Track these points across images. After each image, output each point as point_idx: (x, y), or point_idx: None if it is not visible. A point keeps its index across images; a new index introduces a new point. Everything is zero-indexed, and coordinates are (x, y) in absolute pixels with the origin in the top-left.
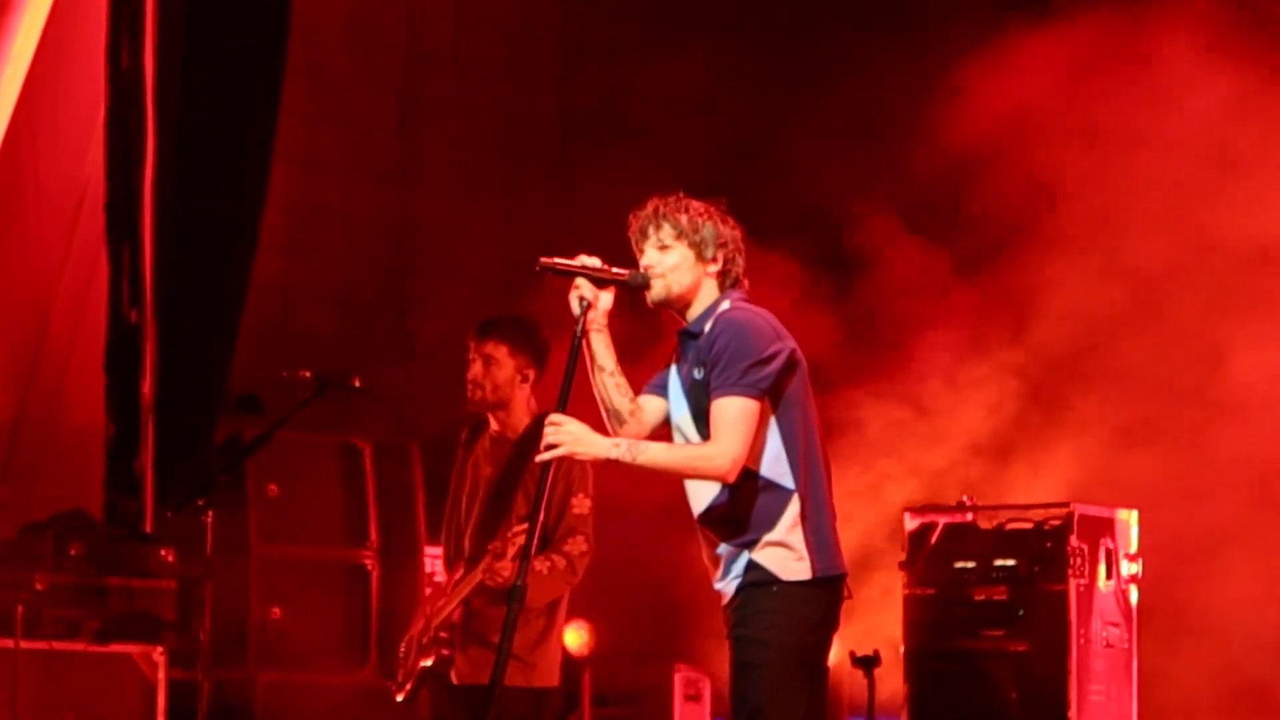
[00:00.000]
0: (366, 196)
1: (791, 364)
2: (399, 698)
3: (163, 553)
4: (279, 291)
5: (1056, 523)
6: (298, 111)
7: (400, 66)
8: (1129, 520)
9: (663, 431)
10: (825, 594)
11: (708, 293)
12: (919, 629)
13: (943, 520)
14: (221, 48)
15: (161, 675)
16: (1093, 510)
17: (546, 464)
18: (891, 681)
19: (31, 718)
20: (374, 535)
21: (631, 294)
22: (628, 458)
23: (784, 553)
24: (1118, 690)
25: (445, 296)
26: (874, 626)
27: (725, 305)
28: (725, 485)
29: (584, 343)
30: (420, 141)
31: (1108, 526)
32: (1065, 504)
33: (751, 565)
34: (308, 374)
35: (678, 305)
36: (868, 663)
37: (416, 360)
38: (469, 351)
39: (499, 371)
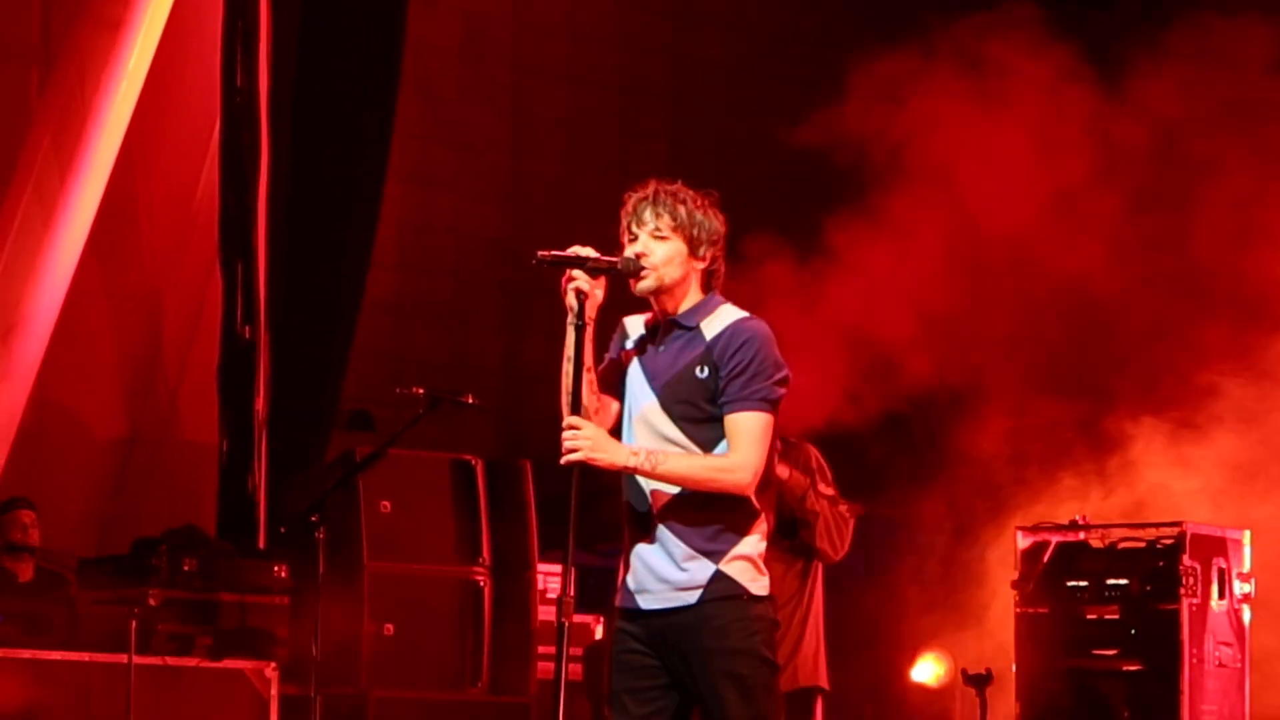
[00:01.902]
0: (478, 213)
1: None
2: None
3: (275, 569)
4: (391, 308)
5: (1169, 542)
6: (410, 129)
7: (511, 83)
8: (1242, 540)
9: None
10: (775, 610)
11: (694, 288)
12: (1031, 647)
13: (1055, 539)
14: (335, 66)
15: (274, 691)
16: (1205, 529)
17: (577, 466)
18: (1004, 700)
19: None
20: (486, 552)
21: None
22: (647, 466)
23: (750, 567)
24: (1230, 710)
25: (556, 313)
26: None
27: (730, 309)
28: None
29: (586, 335)
30: (531, 158)
31: (1220, 546)
32: (1178, 523)
33: (720, 576)
34: (420, 390)
35: (663, 296)
36: (980, 681)
37: (528, 377)
38: None
39: None
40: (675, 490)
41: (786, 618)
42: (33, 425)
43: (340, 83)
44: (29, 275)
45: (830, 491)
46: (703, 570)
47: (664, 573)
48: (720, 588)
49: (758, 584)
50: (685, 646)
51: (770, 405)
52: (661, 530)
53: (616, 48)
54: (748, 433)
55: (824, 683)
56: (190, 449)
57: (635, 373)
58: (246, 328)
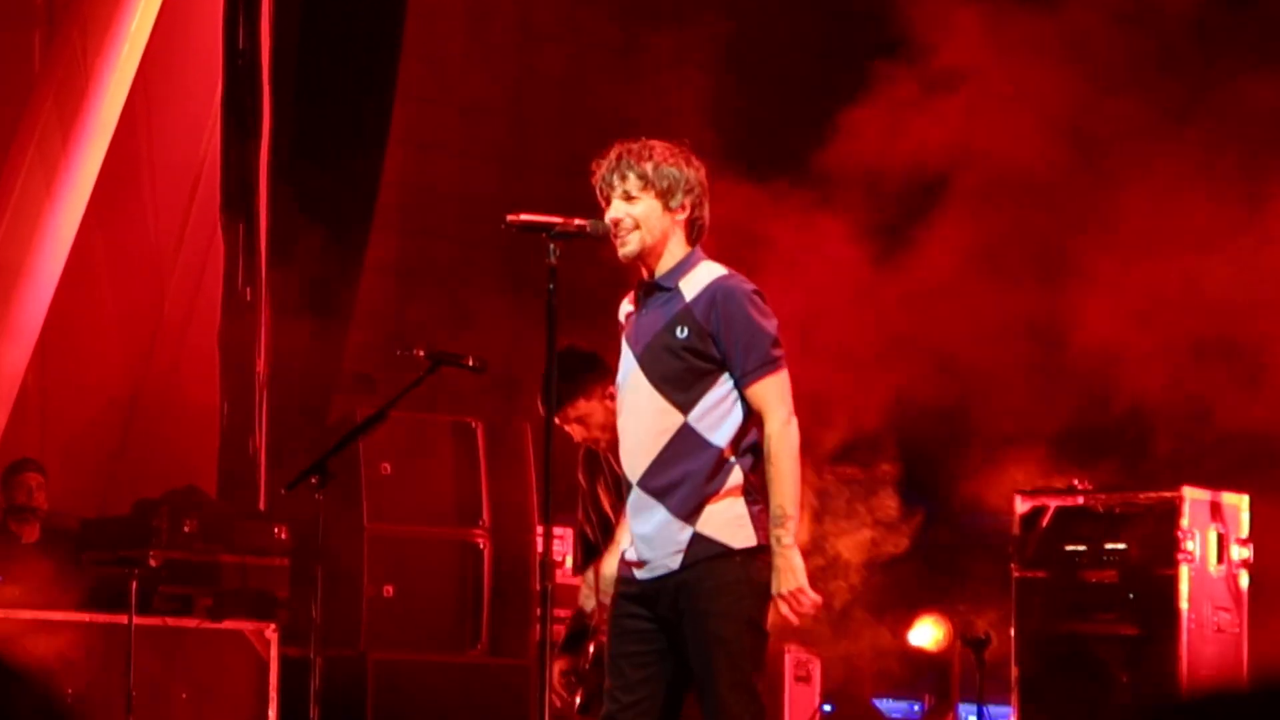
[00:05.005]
0: (480, 176)
1: None
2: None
3: (276, 530)
4: (393, 270)
5: (1167, 507)
6: (412, 92)
7: (514, 47)
8: (1239, 505)
9: None
10: (769, 561)
11: (676, 244)
12: (1029, 611)
13: (1054, 503)
14: (337, 28)
15: (273, 652)
16: (1203, 495)
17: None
18: (1002, 664)
19: (144, 693)
20: (486, 514)
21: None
22: (791, 537)
23: (728, 520)
24: (1228, 675)
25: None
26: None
27: (710, 267)
28: (668, 446)
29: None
30: (533, 122)
31: (1218, 511)
32: (1176, 488)
33: (698, 538)
34: (421, 352)
35: (648, 258)
36: (978, 645)
37: (529, 339)
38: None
39: (594, 419)
40: (649, 457)
41: None
42: (35, 387)
43: (342, 45)
44: (31, 237)
45: None
46: (682, 533)
47: (652, 542)
48: (701, 549)
49: (740, 536)
50: (681, 605)
51: (775, 364)
52: (642, 497)
53: (619, 10)
54: (774, 395)
55: None
56: (192, 410)
57: (624, 344)
58: (248, 289)
